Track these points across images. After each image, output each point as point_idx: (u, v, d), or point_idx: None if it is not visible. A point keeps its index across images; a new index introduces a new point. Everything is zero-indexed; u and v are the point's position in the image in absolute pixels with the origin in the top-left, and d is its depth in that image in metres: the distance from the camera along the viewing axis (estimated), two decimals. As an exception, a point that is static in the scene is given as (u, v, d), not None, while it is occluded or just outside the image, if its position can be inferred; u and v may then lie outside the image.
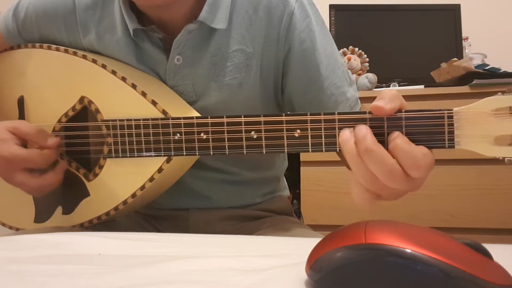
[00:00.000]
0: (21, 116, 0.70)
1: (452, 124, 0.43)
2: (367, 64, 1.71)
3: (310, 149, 0.49)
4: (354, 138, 0.42)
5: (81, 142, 0.65)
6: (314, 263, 0.34)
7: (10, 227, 0.73)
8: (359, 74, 1.64)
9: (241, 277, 0.37)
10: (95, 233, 0.55)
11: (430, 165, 0.41)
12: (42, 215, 0.69)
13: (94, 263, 0.43)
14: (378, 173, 0.41)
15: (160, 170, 0.60)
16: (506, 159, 0.42)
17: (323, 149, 0.48)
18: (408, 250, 0.31)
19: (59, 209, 0.68)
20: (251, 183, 0.76)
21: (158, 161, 0.59)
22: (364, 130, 0.42)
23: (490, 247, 0.33)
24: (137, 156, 0.60)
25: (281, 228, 0.70)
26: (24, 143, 0.63)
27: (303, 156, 1.49)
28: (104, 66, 0.64)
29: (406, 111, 0.44)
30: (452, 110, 0.43)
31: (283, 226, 0.71)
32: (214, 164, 0.72)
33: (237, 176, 0.74)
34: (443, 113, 0.43)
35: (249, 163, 0.74)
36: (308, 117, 0.48)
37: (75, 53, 0.67)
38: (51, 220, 0.68)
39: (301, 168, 1.49)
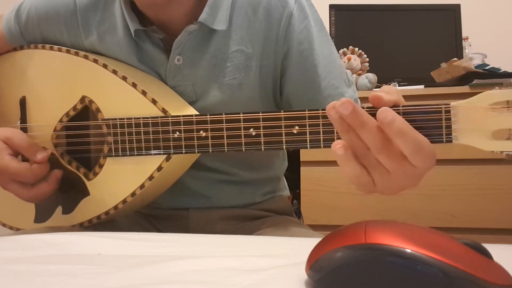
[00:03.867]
0: (23, 116, 0.70)
1: (450, 119, 0.43)
2: (367, 64, 1.71)
3: (308, 146, 0.49)
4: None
5: (82, 141, 0.65)
6: (314, 263, 0.34)
7: (10, 227, 0.73)
8: (359, 74, 1.64)
9: (241, 277, 0.37)
10: (95, 233, 0.55)
11: (432, 156, 0.40)
12: (42, 215, 0.69)
13: (94, 263, 0.43)
14: (370, 144, 0.40)
15: (159, 168, 0.60)
16: (504, 153, 0.42)
17: (321, 145, 0.48)
18: (408, 250, 0.31)
19: (59, 209, 0.68)
20: (251, 183, 0.76)
21: (157, 160, 0.60)
22: (349, 105, 0.39)
23: (490, 247, 0.33)
24: (137, 155, 0.60)
25: (281, 228, 0.70)
26: (17, 153, 0.63)
27: (303, 156, 1.49)
28: (105, 66, 0.64)
29: (403, 106, 0.44)
30: (449, 104, 0.43)
31: (283, 226, 0.71)
32: (213, 165, 0.72)
33: (236, 176, 0.74)
34: (441, 108, 0.43)
35: (249, 163, 0.74)
36: (306, 113, 0.49)
37: (76, 53, 0.67)
38: (51, 220, 0.68)
39: (301, 168, 1.49)
